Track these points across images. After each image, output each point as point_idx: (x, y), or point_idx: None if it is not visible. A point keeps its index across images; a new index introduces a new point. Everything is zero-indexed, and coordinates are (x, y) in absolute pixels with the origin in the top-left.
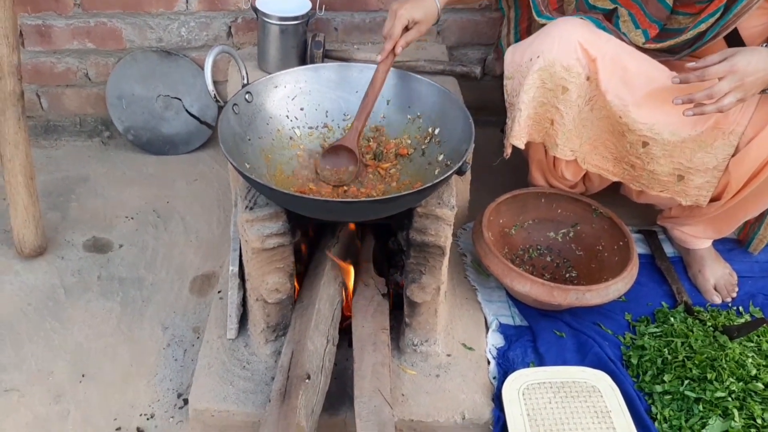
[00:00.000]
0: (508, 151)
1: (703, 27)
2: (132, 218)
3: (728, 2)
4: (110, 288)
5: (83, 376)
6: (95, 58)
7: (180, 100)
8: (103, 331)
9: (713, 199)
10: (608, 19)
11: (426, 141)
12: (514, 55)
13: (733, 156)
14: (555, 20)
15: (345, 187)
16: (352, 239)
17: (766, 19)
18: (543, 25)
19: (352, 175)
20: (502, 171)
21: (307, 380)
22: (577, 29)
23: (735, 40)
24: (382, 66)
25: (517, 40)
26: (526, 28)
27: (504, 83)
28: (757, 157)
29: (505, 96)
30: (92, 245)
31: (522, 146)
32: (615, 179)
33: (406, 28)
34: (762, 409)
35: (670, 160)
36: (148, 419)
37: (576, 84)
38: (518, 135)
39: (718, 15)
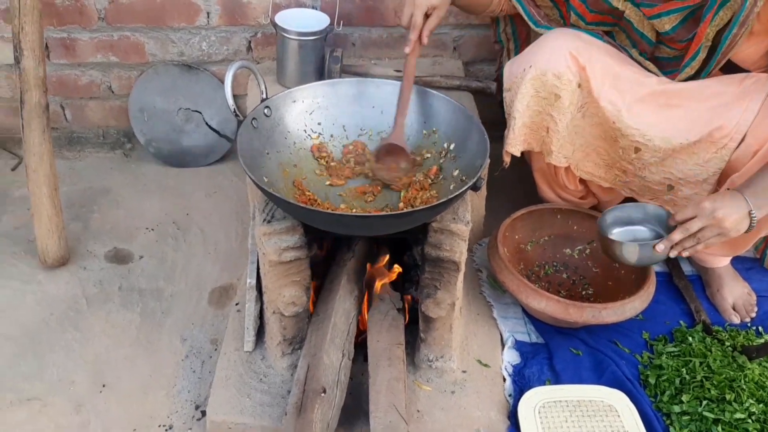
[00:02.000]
0: (507, 160)
1: (695, 65)
2: (152, 230)
3: (714, 41)
4: (130, 299)
5: (103, 386)
6: (118, 71)
7: (200, 113)
8: (123, 341)
9: None
10: (608, 34)
11: (442, 156)
12: (512, 68)
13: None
14: (548, 32)
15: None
16: (368, 253)
17: (758, 47)
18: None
19: (406, 172)
20: (518, 187)
21: (322, 394)
22: (567, 39)
23: (731, 67)
24: (412, 58)
25: None
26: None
27: (503, 96)
28: None
29: (505, 108)
30: (113, 256)
31: (518, 154)
32: (606, 185)
33: (426, 16)
34: None
35: (661, 168)
36: (166, 430)
37: (568, 91)
38: (513, 143)
39: (701, 55)
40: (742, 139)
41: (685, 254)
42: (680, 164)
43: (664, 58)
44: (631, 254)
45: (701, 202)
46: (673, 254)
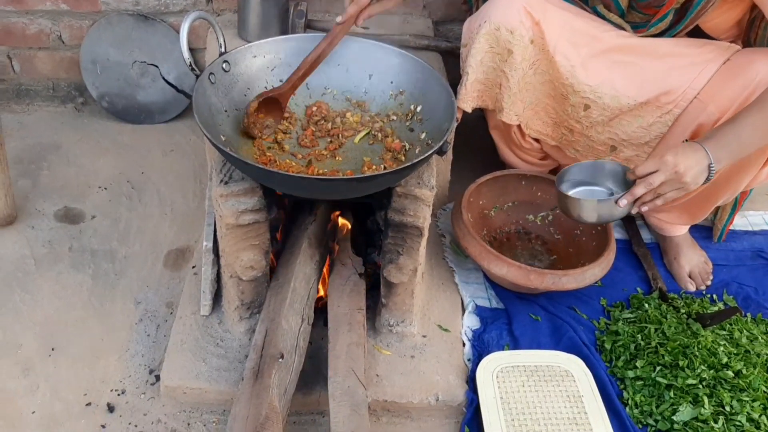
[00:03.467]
0: (458, 116)
1: (662, 25)
2: (105, 188)
3: (685, 4)
4: (82, 260)
5: (53, 349)
6: (69, 20)
7: (157, 67)
8: (73, 304)
9: None
10: None
11: (408, 118)
12: (469, 24)
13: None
14: None
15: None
16: (330, 217)
17: (728, 15)
18: None
19: (270, 130)
20: (485, 152)
21: (280, 359)
22: None
23: (698, 33)
24: (341, 31)
25: None
26: None
27: (460, 51)
28: None
29: (461, 63)
30: (64, 215)
31: (469, 110)
32: (553, 143)
33: None
34: (731, 397)
35: (608, 128)
36: (119, 395)
37: (520, 47)
38: (465, 99)
39: (670, 17)
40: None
41: (644, 209)
42: (625, 125)
43: (634, 23)
44: (590, 211)
45: (663, 156)
46: (634, 211)
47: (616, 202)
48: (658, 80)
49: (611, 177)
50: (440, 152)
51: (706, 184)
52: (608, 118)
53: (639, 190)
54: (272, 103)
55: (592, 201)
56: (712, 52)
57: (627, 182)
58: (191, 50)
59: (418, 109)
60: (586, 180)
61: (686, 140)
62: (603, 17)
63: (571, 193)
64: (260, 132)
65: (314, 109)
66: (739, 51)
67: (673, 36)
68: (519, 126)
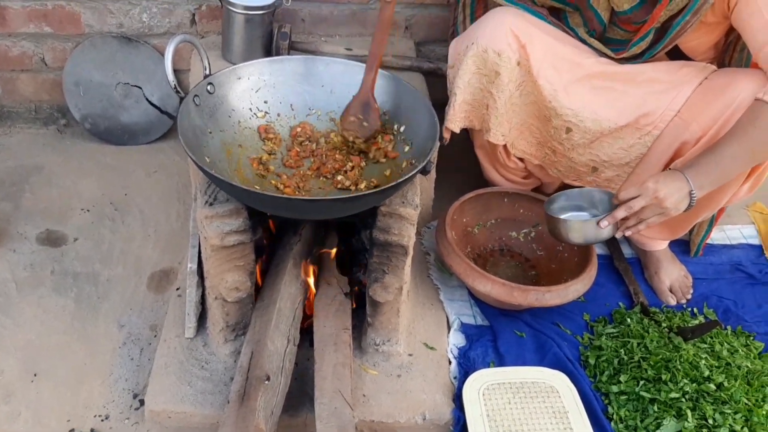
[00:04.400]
0: (447, 136)
1: (643, 45)
2: (88, 210)
3: (665, 24)
4: (64, 283)
5: (35, 375)
6: (52, 42)
7: (140, 88)
8: (56, 328)
9: None
10: (556, 15)
11: (393, 139)
12: (456, 45)
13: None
14: (492, 10)
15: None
16: (315, 237)
17: (707, 38)
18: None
19: (367, 131)
20: (468, 170)
21: (266, 381)
22: (509, 17)
23: (677, 53)
24: (391, 8)
25: None
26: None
27: (447, 72)
28: None
29: (447, 84)
30: (46, 238)
31: (457, 130)
32: (537, 162)
33: None
34: (714, 410)
35: (589, 150)
36: (102, 420)
37: (507, 69)
38: (453, 120)
39: (650, 37)
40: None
41: (627, 233)
42: (606, 147)
43: (614, 39)
44: (575, 232)
45: (645, 182)
46: (618, 235)
47: (597, 223)
48: (637, 104)
49: (600, 205)
50: (424, 171)
51: (688, 210)
52: (589, 141)
53: (620, 213)
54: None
55: (576, 222)
56: (689, 74)
57: (614, 206)
58: (175, 71)
59: (402, 129)
60: (575, 206)
61: (668, 167)
62: (584, 41)
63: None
64: (356, 135)
65: (299, 129)
66: (717, 71)
67: (653, 55)
68: (504, 146)
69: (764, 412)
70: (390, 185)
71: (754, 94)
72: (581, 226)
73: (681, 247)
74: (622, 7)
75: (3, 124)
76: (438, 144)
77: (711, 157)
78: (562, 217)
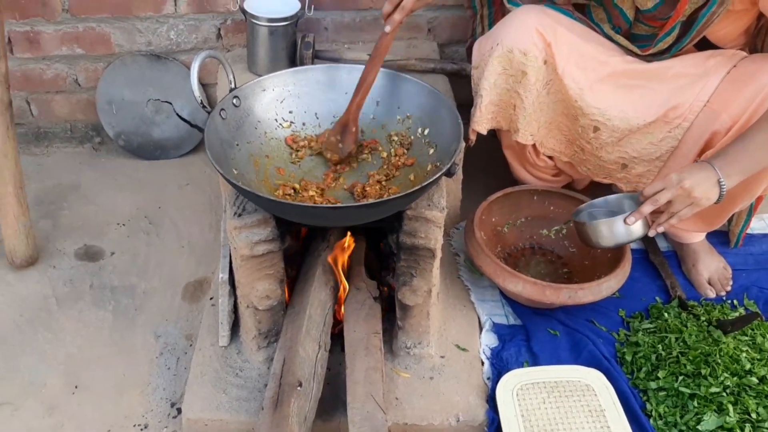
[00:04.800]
0: (473, 138)
1: (669, 40)
2: (124, 225)
3: (691, 17)
4: (102, 297)
5: (76, 387)
6: (84, 63)
7: (170, 103)
8: (95, 341)
9: None
10: (580, 10)
11: (420, 143)
12: (480, 45)
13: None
14: (516, 9)
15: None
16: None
17: (735, 25)
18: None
19: (342, 153)
20: (495, 169)
21: (299, 387)
22: (534, 15)
23: (705, 43)
24: (390, 38)
25: None
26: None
27: (472, 73)
28: None
29: (472, 85)
30: (84, 253)
31: (484, 132)
32: (566, 159)
33: None
34: (756, 404)
35: (617, 148)
36: (142, 429)
37: (534, 68)
38: (480, 121)
39: (676, 31)
40: (714, 116)
41: (660, 230)
42: (635, 144)
43: (640, 35)
44: (605, 234)
45: (668, 174)
46: (651, 233)
47: (624, 220)
48: (665, 99)
49: (629, 209)
50: (449, 174)
51: (719, 201)
52: (617, 139)
53: (646, 208)
54: (341, 126)
55: (602, 222)
56: (717, 64)
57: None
58: (203, 86)
59: (426, 132)
60: (607, 213)
61: (697, 159)
62: (609, 38)
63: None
64: (333, 154)
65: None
66: (746, 57)
67: (681, 49)
68: (533, 145)
69: None
70: (415, 189)
71: None
72: (608, 226)
73: (719, 239)
74: (646, 6)
75: (40, 144)
76: (463, 145)
77: (739, 145)
78: (589, 221)
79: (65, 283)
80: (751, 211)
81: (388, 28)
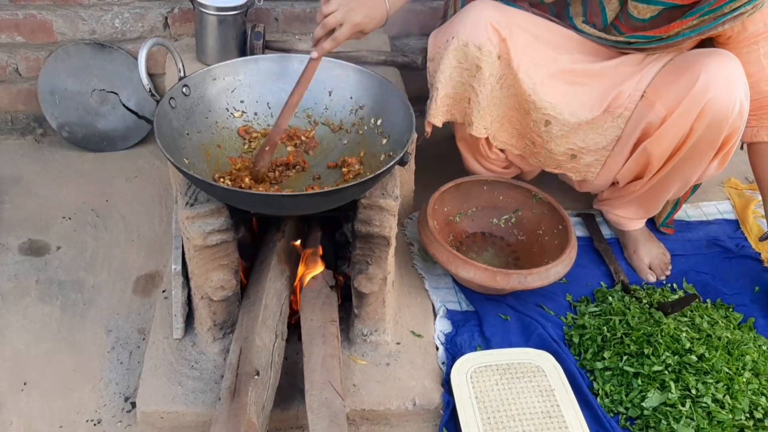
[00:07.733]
0: (428, 130)
1: (641, 41)
2: (69, 218)
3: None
4: (49, 292)
5: (24, 384)
6: (25, 52)
7: (116, 94)
8: (43, 336)
9: (636, 178)
10: (555, 5)
11: (371, 133)
12: (436, 38)
13: (644, 138)
14: (470, 3)
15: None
16: (298, 233)
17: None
18: None
19: (259, 174)
20: (448, 160)
21: (256, 376)
22: (488, 10)
23: None
24: (317, 63)
25: None
26: None
27: (427, 66)
28: (674, 135)
29: (428, 78)
30: (28, 248)
31: (440, 124)
32: (518, 152)
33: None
34: (696, 380)
35: (566, 140)
36: (95, 425)
37: (488, 62)
38: (435, 114)
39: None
40: (649, 105)
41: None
42: (583, 135)
43: (608, 41)
44: None
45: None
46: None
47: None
48: (608, 92)
49: None
50: (402, 163)
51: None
52: (567, 132)
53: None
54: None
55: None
56: (654, 58)
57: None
58: (150, 76)
59: (378, 122)
60: None
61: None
62: (580, 31)
63: None
64: (266, 173)
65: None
66: (684, 53)
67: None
68: (486, 138)
69: (744, 380)
70: (368, 177)
71: (717, 70)
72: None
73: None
74: (642, 16)
75: None
76: (415, 136)
77: None
78: None
79: (9, 279)
80: (678, 201)
81: (314, 54)
